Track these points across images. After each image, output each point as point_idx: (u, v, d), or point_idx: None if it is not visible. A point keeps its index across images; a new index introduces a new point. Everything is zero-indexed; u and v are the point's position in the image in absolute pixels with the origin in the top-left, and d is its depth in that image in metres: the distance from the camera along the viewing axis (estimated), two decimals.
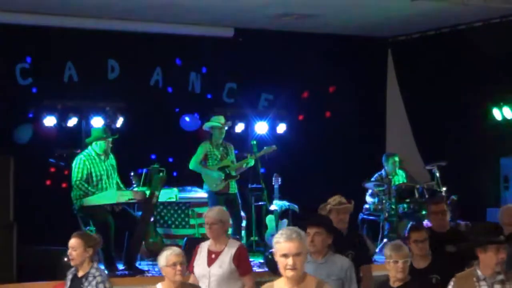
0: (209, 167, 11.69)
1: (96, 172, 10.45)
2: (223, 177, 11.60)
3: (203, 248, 7.34)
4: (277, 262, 5.10)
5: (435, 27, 13.79)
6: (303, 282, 5.13)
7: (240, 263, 7.21)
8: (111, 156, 10.71)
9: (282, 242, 5.05)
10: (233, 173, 11.76)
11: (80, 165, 10.40)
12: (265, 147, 12.08)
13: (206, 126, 11.92)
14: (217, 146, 11.80)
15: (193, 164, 11.72)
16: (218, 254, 7.23)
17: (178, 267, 6.39)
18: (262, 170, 12.15)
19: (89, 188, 10.33)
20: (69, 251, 7.26)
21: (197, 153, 11.78)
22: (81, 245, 7.21)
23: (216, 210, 7.49)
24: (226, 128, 11.87)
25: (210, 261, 7.20)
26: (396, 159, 13.14)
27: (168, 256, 6.44)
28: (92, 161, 10.46)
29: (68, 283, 7.34)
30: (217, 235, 7.30)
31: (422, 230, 7.42)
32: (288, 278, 5.07)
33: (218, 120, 11.81)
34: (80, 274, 7.24)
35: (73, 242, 7.25)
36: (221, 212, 7.46)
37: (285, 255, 5.02)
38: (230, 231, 11.64)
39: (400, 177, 13.17)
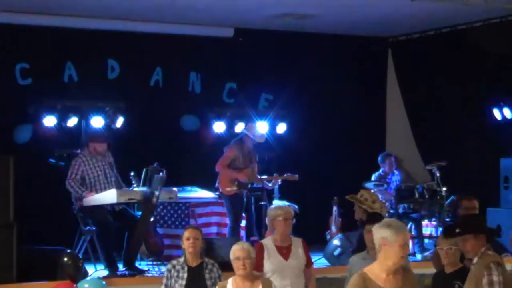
0: (230, 171, 11.64)
1: (89, 175, 10.42)
2: (236, 185, 11.55)
3: (269, 246, 7.81)
4: None
5: (435, 27, 13.79)
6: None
7: (307, 255, 7.94)
8: (108, 153, 10.69)
9: None
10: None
11: (75, 166, 10.41)
12: (289, 174, 12.09)
13: (242, 131, 11.99)
14: (243, 153, 11.78)
15: (220, 166, 11.62)
16: (289, 248, 7.83)
17: (241, 262, 6.68)
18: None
19: (80, 187, 10.31)
20: (191, 241, 7.55)
21: (225, 156, 11.69)
22: (199, 235, 7.61)
23: (286, 208, 8.10)
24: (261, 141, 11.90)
25: (285, 255, 7.78)
26: (393, 159, 13.17)
27: (233, 250, 6.77)
28: (87, 163, 10.44)
29: (181, 274, 7.56)
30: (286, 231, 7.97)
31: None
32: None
33: (252, 131, 11.83)
34: (193, 264, 7.60)
35: (196, 232, 7.63)
36: (289, 210, 8.07)
37: None
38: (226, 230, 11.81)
39: (396, 177, 13.17)
